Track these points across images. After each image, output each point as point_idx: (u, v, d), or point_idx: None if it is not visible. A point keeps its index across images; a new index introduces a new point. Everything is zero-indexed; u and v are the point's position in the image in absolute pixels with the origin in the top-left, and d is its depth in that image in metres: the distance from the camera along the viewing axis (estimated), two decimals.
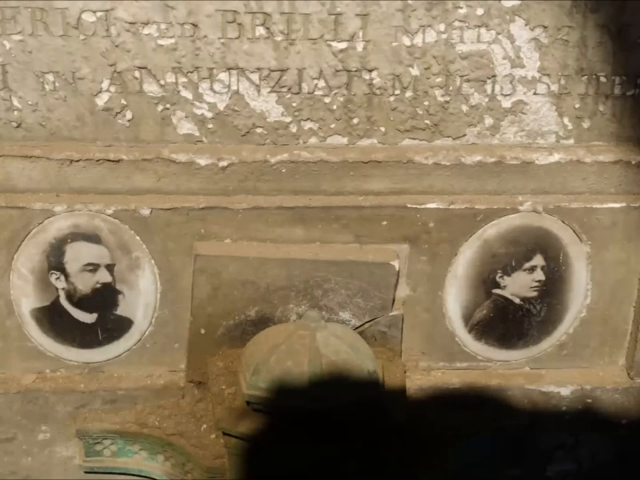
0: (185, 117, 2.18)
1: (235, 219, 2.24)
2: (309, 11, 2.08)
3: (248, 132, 2.20)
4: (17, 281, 2.27)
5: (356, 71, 2.15)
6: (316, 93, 2.17)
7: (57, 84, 2.12)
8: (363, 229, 2.27)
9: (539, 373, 2.47)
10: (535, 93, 2.20)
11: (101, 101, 2.15)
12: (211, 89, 2.15)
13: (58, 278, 2.26)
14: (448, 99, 2.19)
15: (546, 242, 2.32)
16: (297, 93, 2.17)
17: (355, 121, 2.21)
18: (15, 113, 2.15)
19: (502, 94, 2.20)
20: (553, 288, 2.37)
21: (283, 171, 2.22)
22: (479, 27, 2.12)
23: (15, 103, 2.14)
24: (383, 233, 2.27)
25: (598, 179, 2.28)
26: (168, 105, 2.16)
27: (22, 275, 2.26)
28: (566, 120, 2.24)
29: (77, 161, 2.18)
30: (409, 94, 2.18)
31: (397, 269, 2.26)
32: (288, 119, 2.20)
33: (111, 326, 2.33)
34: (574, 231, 2.31)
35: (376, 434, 2.09)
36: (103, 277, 2.27)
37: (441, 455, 2.32)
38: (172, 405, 2.35)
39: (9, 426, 2.38)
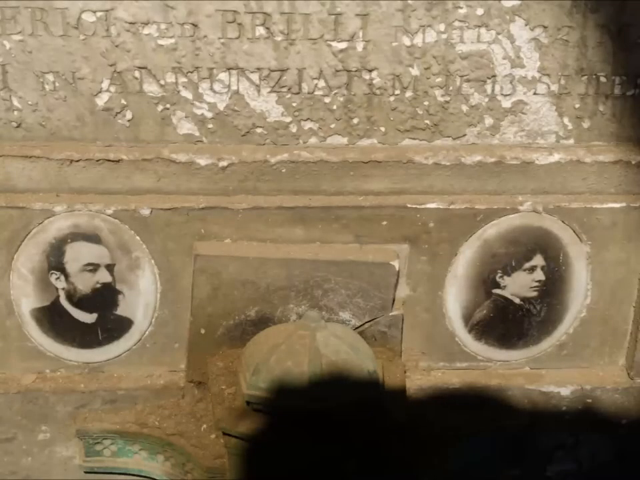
0: (185, 117, 2.18)
1: (235, 218, 2.24)
2: (309, 11, 2.08)
3: (248, 132, 2.20)
4: (17, 281, 2.27)
5: (356, 71, 2.15)
6: (316, 93, 2.17)
7: (56, 84, 2.12)
8: (363, 228, 2.27)
9: (539, 373, 2.47)
10: (535, 93, 2.20)
11: (101, 101, 2.15)
12: (211, 89, 2.15)
13: (58, 278, 2.26)
14: (448, 98, 2.19)
15: (546, 242, 2.32)
16: (297, 93, 2.17)
17: (355, 121, 2.21)
18: (15, 112, 2.15)
19: (502, 94, 2.20)
20: (553, 288, 2.37)
21: (283, 171, 2.22)
22: (479, 27, 2.12)
23: (15, 103, 2.14)
24: (383, 233, 2.27)
25: (598, 179, 2.28)
26: (168, 105, 2.16)
27: (22, 275, 2.26)
28: (566, 120, 2.24)
29: (77, 160, 2.18)
30: (408, 94, 2.18)
31: (397, 269, 2.26)
32: (288, 119, 2.20)
33: (111, 326, 2.33)
34: (574, 231, 2.31)
35: (376, 434, 2.09)
36: (103, 277, 2.27)
37: (441, 454, 2.32)
38: (172, 404, 2.35)
39: (9, 426, 2.38)
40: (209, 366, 2.25)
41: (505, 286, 2.35)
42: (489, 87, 2.19)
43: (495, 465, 2.45)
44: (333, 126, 2.21)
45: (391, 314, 2.30)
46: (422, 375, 2.43)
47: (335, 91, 2.17)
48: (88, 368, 2.38)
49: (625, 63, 2.18)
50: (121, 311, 2.31)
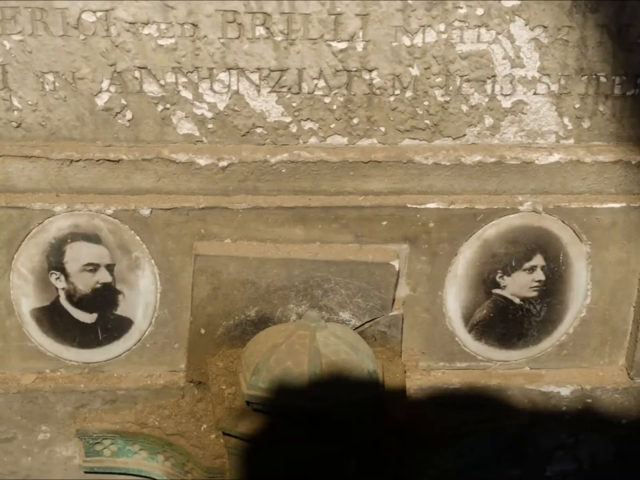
0: (185, 117, 2.18)
1: (235, 219, 2.24)
2: (309, 11, 2.08)
3: (248, 132, 2.20)
4: (17, 281, 2.27)
5: (356, 71, 2.15)
6: (316, 93, 2.17)
7: (56, 84, 2.12)
8: (363, 229, 2.27)
9: (539, 373, 2.47)
10: (535, 93, 2.20)
11: (101, 100, 2.15)
12: (211, 89, 2.15)
13: (58, 278, 2.26)
14: (448, 98, 2.19)
15: (546, 242, 2.32)
16: (297, 93, 2.17)
17: (355, 120, 2.21)
18: (15, 112, 2.15)
19: (502, 94, 2.20)
20: (553, 288, 2.37)
21: (283, 171, 2.22)
22: (479, 27, 2.12)
23: (15, 102, 2.14)
24: (383, 233, 2.27)
25: (598, 178, 2.28)
26: (168, 105, 2.16)
27: (22, 275, 2.26)
28: (566, 120, 2.24)
29: (77, 161, 2.18)
30: (408, 94, 2.18)
31: (397, 269, 2.26)
32: (288, 119, 2.20)
33: (111, 326, 2.33)
34: (574, 231, 2.31)
35: (376, 434, 2.09)
36: (103, 276, 2.27)
37: (441, 454, 2.32)
38: (172, 405, 2.35)
39: (9, 426, 2.38)
40: (209, 366, 2.25)
41: (504, 286, 2.35)
42: (489, 87, 2.19)
43: (495, 465, 2.45)
44: (332, 126, 2.21)
45: (390, 314, 2.30)
46: (422, 375, 2.43)
47: (335, 91, 2.17)
48: (88, 368, 2.38)
49: (625, 63, 2.18)
50: (121, 310, 2.31)
